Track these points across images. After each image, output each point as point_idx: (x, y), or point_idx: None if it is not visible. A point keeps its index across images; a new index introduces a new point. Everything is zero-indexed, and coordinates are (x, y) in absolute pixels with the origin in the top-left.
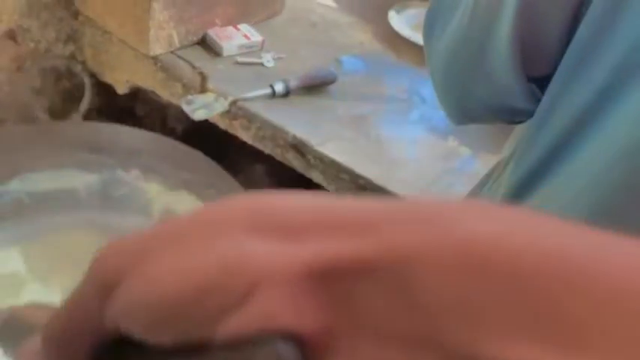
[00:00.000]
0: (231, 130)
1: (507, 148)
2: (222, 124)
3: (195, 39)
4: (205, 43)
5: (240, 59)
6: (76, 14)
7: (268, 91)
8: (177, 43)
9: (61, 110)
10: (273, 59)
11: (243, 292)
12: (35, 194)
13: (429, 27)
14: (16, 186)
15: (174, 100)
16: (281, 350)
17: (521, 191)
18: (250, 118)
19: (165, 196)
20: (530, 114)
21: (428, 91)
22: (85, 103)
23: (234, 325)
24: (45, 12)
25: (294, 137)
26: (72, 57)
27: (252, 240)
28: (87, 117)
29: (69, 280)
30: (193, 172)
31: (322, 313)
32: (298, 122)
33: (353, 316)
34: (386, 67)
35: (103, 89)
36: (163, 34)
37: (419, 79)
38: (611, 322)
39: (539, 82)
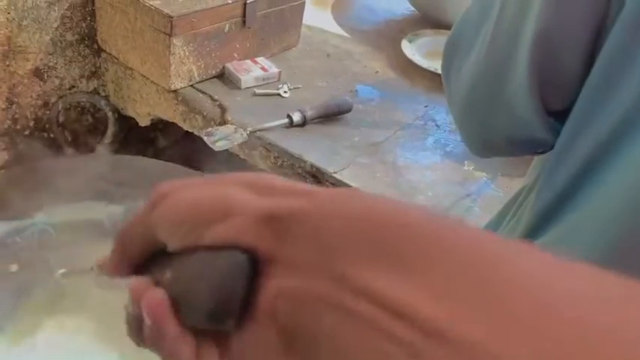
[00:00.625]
0: (250, 160)
1: (530, 174)
2: (242, 154)
3: (214, 72)
4: (224, 76)
5: (257, 91)
6: (99, 51)
7: (286, 120)
8: (197, 77)
9: (85, 144)
10: (290, 90)
11: (223, 215)
12: (60, 226)
13: (448, 60)
14: (42, 218)
15: (195, 132)
16: (238, 256)
17: (547, 218)
18: (269, 147)
19: None
20: (550, 146)
21: (442, 117)
22: (108, 137)
23: (214, 233)
24: (69, 50)
25: (312, 165)
26: (95, 92)
27: (239, 190)
28: (110, 150)
29: (98, 308)
30: None
31: (269, 241)
32: (315, 150)
33: (285, 246)
34: (400, 94)
35: (126, 123)
36: (184, 68)
37: (433, 106)
38: (445, 257)
39: (559, 116)
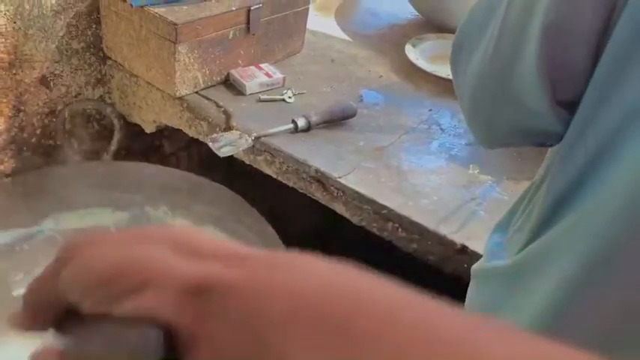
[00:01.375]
0: (255, 165)
1: (540, 170)
2: (247, 160)
3: (219, 79)
4: (229, 83)
5: (262, 97)
6: (104, 59)
7: (290, 126)
8: (201, 83)
9: (91, 151)
10: (294, 95)
11: (141, 282)
12: (67, 233)
13: (456, 54)
14: (49, 225)
15: (200, 138)
16: (149, 333)
17: (557, 209)
18: (274, 152)
19: None
20: (559, 137)
21: (447, 120)
22: (114, 143)
23: (129, 304)
24: (75, 58)
25: (317, 170)
26: (101, 100)
27: (162, 251)
28: (116, 156)
29: None
30: (219, 207)
31: (191, 317)
32: (320, 155)
33: (210, 325)
34: (404, 98)
35: (131, 129)
36: (189, 75)
37: (437, 110)
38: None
39: (569, 107)
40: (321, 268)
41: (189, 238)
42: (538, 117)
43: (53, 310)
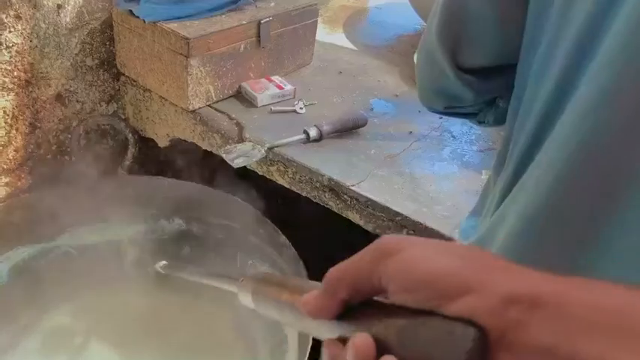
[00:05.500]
0: (268, 176)
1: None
2: (260, 170)
3: (230, 92)
4: (240, 95)
5: (274, 108)
6: (118, 75)
7: (302, 136)
8: (214, 96)
9: (106, 166)
10: (306, 106)
11: (462, 291)
12: (83, 248)
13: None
14: (66, 240)
15: (213, 151)
16: (474, 332)
17: (516, 179)
18: (286, 163)
19: None
20: (471, 103)
21: (458, 128)
22: (128, 158)
23: (454, 307)
24: (89, 75)
25: (330, 179)
26: (115, 115)
27: (471, 265)
28: (131, 171)
29: (119, 328)
30: (233, 218)
31: (506, 323)
32: (333, 164)
33: (522, 330)
34: (415, 107)
35: (145, 144)
36: (201, 89)
37: (448, 117)
38: None
39: (474, 73)
40: (617, 290)
41: (484, 257)
42: (448, 79)
43: (354, 299)
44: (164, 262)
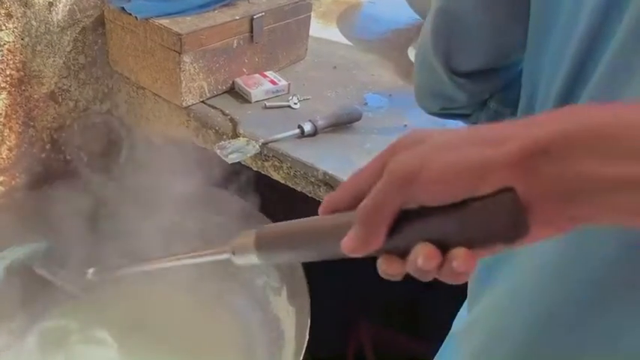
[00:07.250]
0: (263, 171)
1: None
2: (255, 166)
3: (224, 88)
4: (234, 91)
5: (268, 103)
6: (111, 73)
7: (297, 131)
8: (207, 92)
9: (101, 164)
10: (300, 101)
11: (483, 173)
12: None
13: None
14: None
15: (207, 147)
16: (508, 195)
17: None
18: (281, 158)
19: None
20: (463, 105)
21: (452, 121)
22: (123, 156)
23: (484, 188)
24: (82, 73)
25: (325, 173)
26: (109, 113)
27: (475, 148)
28: (126, 169)
29: (117, 328)
30: (227, 214)
31: (524, 182)
32: (328, 159)
33: (539, 172)
34: (409, 101)
35: (140, 141)
36: (194, 85)
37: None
38: None
39: (467, 76)
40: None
41: (488, 130)
42: (442, 82)
43: (392, 221)
44: (92, 269)
